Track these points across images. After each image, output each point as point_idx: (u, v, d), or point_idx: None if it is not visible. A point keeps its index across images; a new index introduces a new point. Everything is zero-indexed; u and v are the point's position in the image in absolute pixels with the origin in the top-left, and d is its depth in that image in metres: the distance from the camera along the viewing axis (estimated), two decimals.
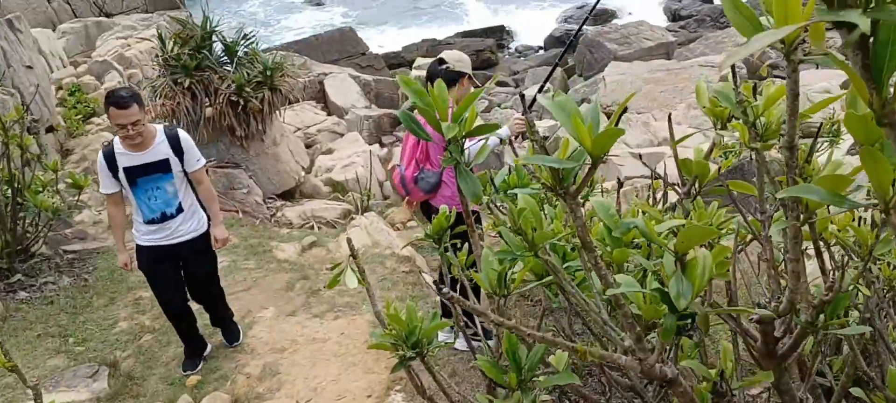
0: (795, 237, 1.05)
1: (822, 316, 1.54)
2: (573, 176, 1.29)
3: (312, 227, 8.30)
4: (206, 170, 4.64)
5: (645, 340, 1.38)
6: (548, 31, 25.72)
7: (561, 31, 25.02)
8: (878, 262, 1.96)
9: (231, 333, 5.09)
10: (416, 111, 1.75)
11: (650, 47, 18.55)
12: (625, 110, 1.16)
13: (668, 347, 1.78)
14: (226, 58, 8.92)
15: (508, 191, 2.06)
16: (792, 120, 0.98)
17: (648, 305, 1.27)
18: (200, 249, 4.54)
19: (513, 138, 3.72)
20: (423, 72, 4.18)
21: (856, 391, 2.02)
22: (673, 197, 3.44)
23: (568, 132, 1.16)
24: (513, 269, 1.80)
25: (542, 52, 24.50)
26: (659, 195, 3.32)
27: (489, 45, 23.58)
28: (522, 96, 1.37)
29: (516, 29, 27.08)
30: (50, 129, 9.53)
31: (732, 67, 1.30)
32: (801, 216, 1.09)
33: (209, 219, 4.58)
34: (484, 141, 1.69)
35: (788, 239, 1.07)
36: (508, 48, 25.79)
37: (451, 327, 4.54)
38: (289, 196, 9.70)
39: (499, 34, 26.14)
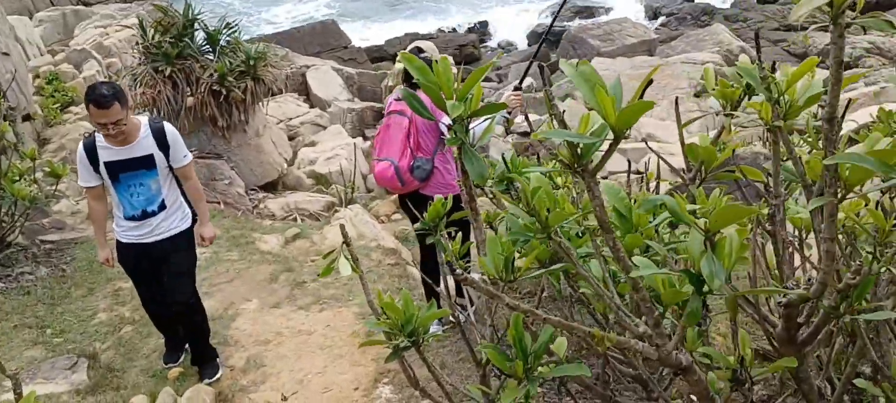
0: (832, 215, 1.01)
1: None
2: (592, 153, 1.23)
3: (295, 219, 8.20)
4: None
5: (661, 326, 1.33)
6: (530, 27, 25.77)
7: (543, 28, 25.04)
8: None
9: (208, 370, 4.56)
10: (400, 95, 1.69)
11: (633, 44, 18.65)
12: (650, 83, 1.10)
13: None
14: (208, 46, 8.77)
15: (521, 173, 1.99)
16: (835, 88, 0.92)
17: (668, 288, 1.22)
18: (180, 247, 4.28)
19: (510, 113, 3.66)
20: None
21: (859, 382, 1.99)
22: (664, 190, 3.40)
23: (591, 104, 1.10)
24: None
25: (524, 47, 24.56)
26: (651, 186, 3.30)
27: (472, 39, 23.62)
28: (542, 67, 1.31)
29: (498, 25, 27.08)
30: (27, 118, 9.33)
31: (758, 44, 1.25)
32: (838, 193, 1.04)
33: (194, 214, 4.42)
34: (491, 120, 1.63)
35: (824, 217, 1.02)
36: (490, 44, 25.78)
37: (440, 318, 4.49)
38: (271, 188, 9.58)
39: (481, 30, 26.17)
